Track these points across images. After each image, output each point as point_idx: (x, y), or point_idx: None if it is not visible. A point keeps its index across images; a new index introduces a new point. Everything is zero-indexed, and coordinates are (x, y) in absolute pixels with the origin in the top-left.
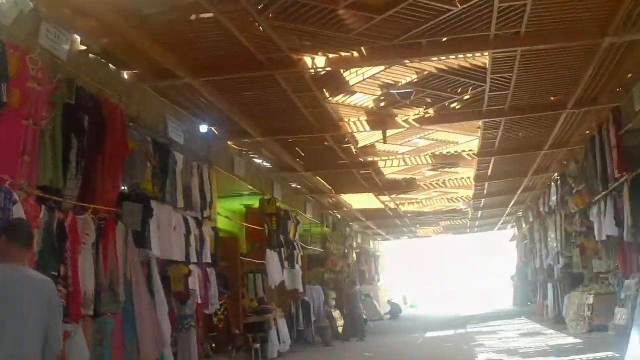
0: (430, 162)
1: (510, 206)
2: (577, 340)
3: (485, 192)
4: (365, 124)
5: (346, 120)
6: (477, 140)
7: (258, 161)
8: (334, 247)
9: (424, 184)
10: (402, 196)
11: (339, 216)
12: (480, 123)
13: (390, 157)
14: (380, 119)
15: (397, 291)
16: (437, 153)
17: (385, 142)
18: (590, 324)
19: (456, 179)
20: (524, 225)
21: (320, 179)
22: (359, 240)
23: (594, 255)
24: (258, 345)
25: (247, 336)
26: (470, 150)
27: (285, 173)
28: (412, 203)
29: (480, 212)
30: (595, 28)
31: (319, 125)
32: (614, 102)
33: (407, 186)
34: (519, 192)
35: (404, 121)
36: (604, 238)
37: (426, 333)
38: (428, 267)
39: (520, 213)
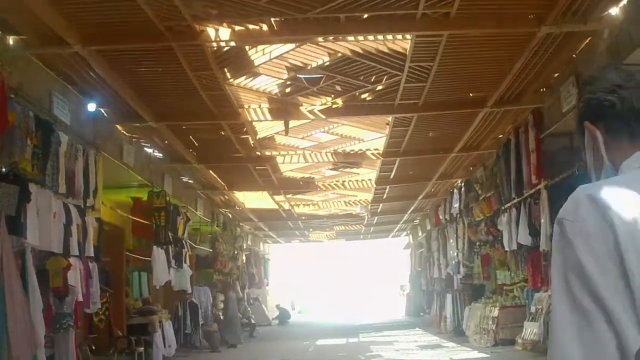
0: (331, 159)
1: (408, 212)
2: (484, 355)
3: (385, 196)
4: (266, 112)
5: (246, 106)
6: (383, 138)
7: (149, 150)
8: (223, 247)
9: (323, 184)
10: (298, 196)
11: (230, 215)
12: (390, 118)
13: (290, 152)
14: (283, 107)
15: (285, 296)
16: (339, 150)
17: (287, 134)
18: (495, 337)
19: (356, 180)
20: (420, 234)
21: (213, 173)
22: (249, 242)
23: (499, 266)
24: (142, 349)
25: (130, 339)
26: (375, 149)
27: (177, 164)
28: (308, 204)
29: (376, 218)
30: (533, 16)
31: (216, 110)
32: (536, 102)
33: (304, 186)
34: (419, 198)
35: (309, 111)
36: (514, 247)
37: (317, 340)
38: (318, 273)
39: (417, 221)
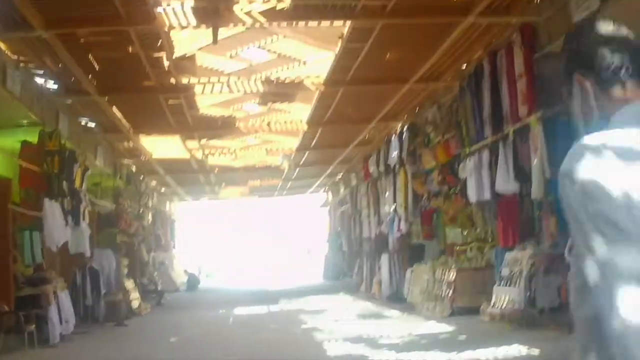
0: (261, 89)
1: (334, 164)
2: (447, 327)
3: (314, 142)
4: (190, 14)
5: (165, 5)
6: (329, 62)
7: (40, 81)
8: (127, 204)
9: (245, 125)
10: (213, 142)
11: (134, 168)
12: (345, 30)
13: (212, 79)
14: (213, 5)
15: (192, 260)
16: (272, 77)
17: (215, 43)
18: (451, 305)
19: (285, 121)
20: (342, 190)
21: (117, 111)
22: (155, 200)
23: (450, 223)
24: (33, 327)
25: (18, 314)
26: (317, 77)
27: (73, 97)
28: (224, 153)
29: (297, 170)
30: None
31: (124, 11)
32: (527, 16)
33: (223, 126)
34: (352, 145)
35: (246, 14)
36: (487, 197)
37: (234, 309)
38: (227, 234)
39: (340, 176)
